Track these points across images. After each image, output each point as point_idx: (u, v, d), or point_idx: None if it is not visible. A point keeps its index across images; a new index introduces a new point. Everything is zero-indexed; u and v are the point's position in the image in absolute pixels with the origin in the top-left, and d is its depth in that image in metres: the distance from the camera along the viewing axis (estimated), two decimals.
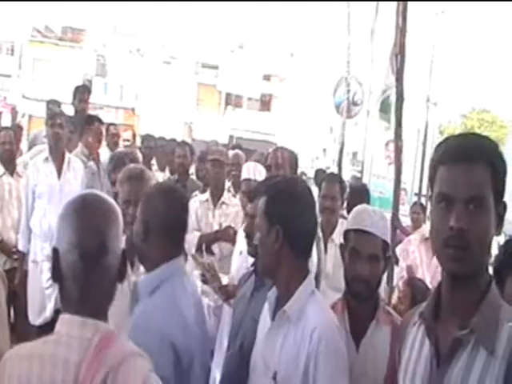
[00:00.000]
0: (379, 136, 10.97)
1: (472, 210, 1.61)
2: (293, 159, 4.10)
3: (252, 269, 2.93)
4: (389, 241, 2.63)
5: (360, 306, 2.53)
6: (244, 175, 4.49)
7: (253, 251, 2.83)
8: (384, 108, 6.00)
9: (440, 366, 1.67)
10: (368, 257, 2.54)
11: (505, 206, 1.70)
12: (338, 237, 4.10)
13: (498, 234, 1.72)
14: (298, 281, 2.27)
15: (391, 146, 10.16)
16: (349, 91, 9.45)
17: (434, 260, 2.72)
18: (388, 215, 3.23)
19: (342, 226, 4.12)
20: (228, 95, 33.96)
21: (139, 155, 5.82)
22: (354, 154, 13.87)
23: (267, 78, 33.44)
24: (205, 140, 15.67)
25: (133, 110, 30.23)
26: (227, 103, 34.14)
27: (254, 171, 4.45)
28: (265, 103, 33.44)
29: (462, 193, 1.62)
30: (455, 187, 1.64)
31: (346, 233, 2.65)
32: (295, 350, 2.21)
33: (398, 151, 4.59)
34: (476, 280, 1.69)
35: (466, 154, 1.64)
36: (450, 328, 1.68)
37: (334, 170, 9.14)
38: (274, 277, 2.31)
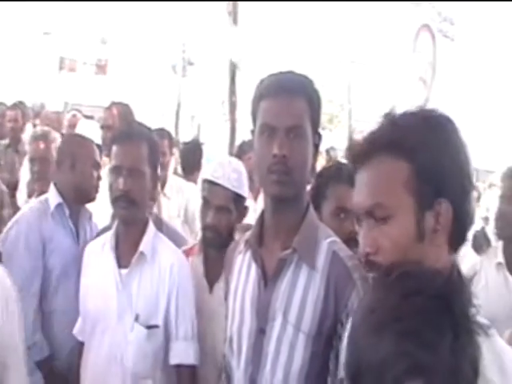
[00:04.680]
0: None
1: (292, 138, 1.73)
2: (127, 114, 4.09)
3: None
4: (244, 193, 2.66)
5: (214, 251, 2.61)
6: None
7: None
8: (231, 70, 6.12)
9: (267, 286, 1.78)
10: (217, 207, 2.61)
11: (320, 137, 1.82)
12: (169, 190, 4.31)
13: (315, 160, 1.83)
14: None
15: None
16: (184, 51, 9.41)
17: None
18: None
19: (174, 181, 4.44)
20: (62, 59, 32.44)
21: None
22: (193, 117, 13.96)
23: (103, 41, 32.32)
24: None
25: None
26: (61, 68, 32.62)
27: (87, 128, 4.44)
28: (101, 67, 32.40)
29: (284, 122, 1.73)
30: (277, 118, 1.74)
31: (202, 181, 2.73)
32: (154, 287, 2.40)
33: (233, 107, 4.66)
34: (296, 203, 1.81)
35: (286, 88, 1.74)
36: (274, 250, 1.79)
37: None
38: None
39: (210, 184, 2.62)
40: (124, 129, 2.64)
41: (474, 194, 4.88)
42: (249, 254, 1.87)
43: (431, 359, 0.92)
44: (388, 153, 1.28)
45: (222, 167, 2.62)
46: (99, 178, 3.13)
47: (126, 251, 2.44)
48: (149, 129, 2.67)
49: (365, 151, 1.32)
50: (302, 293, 1.73)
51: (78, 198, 3.10)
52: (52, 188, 3.10)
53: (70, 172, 3.07)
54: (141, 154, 2.46)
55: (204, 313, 2.51)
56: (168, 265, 2.41)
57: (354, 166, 1.35)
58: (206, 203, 2.63)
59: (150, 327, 2.36)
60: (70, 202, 3.07)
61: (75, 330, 2.62)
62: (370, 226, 1.29)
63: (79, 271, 2.66)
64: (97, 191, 3.15)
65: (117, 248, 2.47)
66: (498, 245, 3.21)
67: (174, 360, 2.40)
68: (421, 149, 1.26)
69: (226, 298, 2.01)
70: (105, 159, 3.36)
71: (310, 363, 1.70)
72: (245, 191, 2.66)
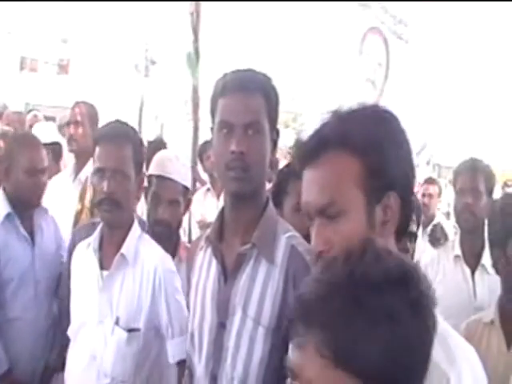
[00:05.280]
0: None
1: (250, 135, 1.75)
2: (93, 114, 4.09)
3: None
4: (189, 186, 2.73)
5: (161, 245, 2.62)
6: None
7: None
8: (190, 63, 6.15)
9: (227, 281, 1.80)
10: (169, 201, 2.66)
11: (277, 133, 1.85)
12: None
13: (273, 155, 1.86)
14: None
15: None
16: (147, 50, 9.36)
17: None
18: None
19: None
20: (23, 59, 31.93)
21: None
22: (156, 117, 13.90)
23: (64, 40, 31.90)
24: None
25: None
26: (22, 67, 32.11)
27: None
28: (62, 67, 31.96)
29: (241, 119, 1.75)
30: (235, 115, 1.76)
31: (149, 177, 2.74)
32: (137, 290, 2.34)
33: (196, 106, 4.66)
34: (255, 199, 1.83)
35: (243, 85, 1.76)
36: (234, 245, 1.82)
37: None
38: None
39: (160, 179, 2.69)
40: (107, 130, 2.50)
41: (436, 189, 4.99)
42: (209, 250, 1.89)
43: (388, 328, 0.96)
44: (337, 150, 1.27)
45: (171, 162, 2.69)
46: (39, 183, 2.99)
47: (110, 253, 2.39)
48: (133, 129, 2.56)
49: (313, 149, 1.30)
50: (261, 287, 1.76)
51: (18, 205, 2.97)
52: (1, 194, 3.00)
53: (4, 179, 2.98)
54: (125, 155, 2.37)
55: None
56: (152, 267, 2.35)
57: (302, 164, 1.34)
58: (157, 198, 2.68)
59: (130, 330, 2.31)
60: (18, 208, 2.96)
61: (68, 331, 2.59)
62: (322, 224, 1.28)
63: (36, 277, 2.63)
64: (38, 198, 3.02)
65: (101, 250, 2.42)
66: (455, 238, 3.29)
67: (174, 358, 2.35)
68: (369, 145, 1.26)
69: (187, 295, 2.03)
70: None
71: (270, 356, 1.72)
72: (189, 183, 2.74)
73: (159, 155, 2.85)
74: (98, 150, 2.40)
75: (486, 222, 2.61)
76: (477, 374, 1.21)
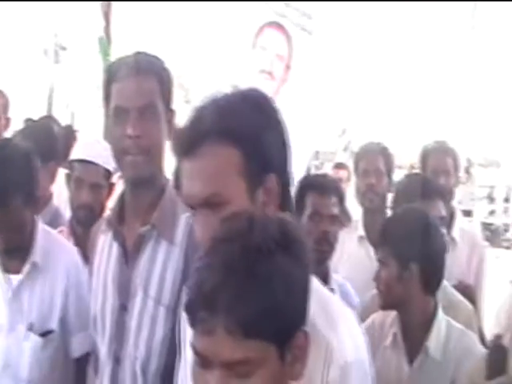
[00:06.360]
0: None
1: (145, 118, 1.76)
2: (3, 101, 4.02)
3: None
4: (112, 169, 2.73)
5: (84, 231, 2.59)
6: None
7: None
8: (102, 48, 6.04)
9: (128, 263, 1.80)
10: (91, 185, 2.65)
11: (173, 114, 1.87)
12: None
13: (170, 138, 1.87)
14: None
15: None
16: (56, 35, 9.11)
17: None
18: None
19: None
20: None
21: None
22: (67, 105, 13.53)
23: None
24: None
25: None
26: None
27: None
28: None
29: (135, 103, 1.76)
30: (128, 99, 1.78)
31: (71, 163, 2.73)
32: (48, 292, 2.21)
33: None
34: (154, 182, 1.85)
35: (135, 69, 1.78)
36: (135, 228, 1.83)
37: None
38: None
39: (82, 163, 2.67)
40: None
41: (345, 173, 5.12)
42: (111, 233, 1.89)
43: None
44: (216, 140, 1.26)
45: (93, 146, 2.69)
46: None
47: (17, 257, 2.22)
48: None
49: (192, 140, 1.28)
50: (161, 267, 1.78)
51: None
52: None
53: None
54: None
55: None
56: (63, 267, 2.25)
57: (180, 155, 1.32)
58: (80, 183, 2.67)
59: (45, 334, 2.21)
60: None
61: None
62: (207, 215, 1.28)
63: None
64: None
65: (7, 254, 2.20)
66: (358, 218, 3.41)
67: (76, 353, 2.27)
68: (246, 132, 1.27)
69: (90, 279, 2.02)
70: None
71: (171, 335, 1.74)
72: (112, 167, 2.69)
73: (80, 141, 2.86)
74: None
75: (391, 200, 2.74)
76: (355, 337, 1.28)
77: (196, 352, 1.04)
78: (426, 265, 2.14)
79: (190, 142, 1.29)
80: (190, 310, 1.05)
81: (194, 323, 1.04)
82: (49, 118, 5.30)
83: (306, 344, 1.08)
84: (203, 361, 1.04)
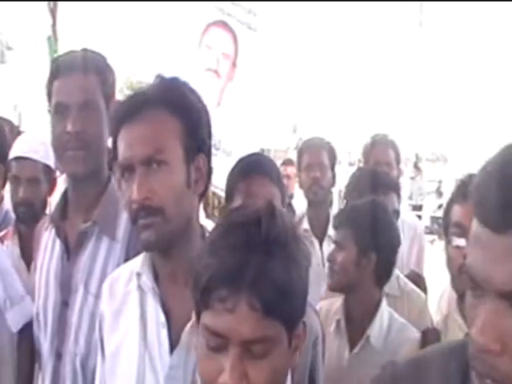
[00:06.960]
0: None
1: (86, 114, 1.78)
2: None
3: None
4: (51, 164, 2.69)
5: (28, 229, 2.55)
6: None
7: None
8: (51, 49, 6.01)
9: (70, 259, 1.82)
10: (28, 180, 2.64)
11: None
12: None
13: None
14: None
15: None
16: (1, 34, 8.95)
17: None
18: None
19: None
20: None
21: None
22: (15, 106, 13.27)
23: None
24: None
25: None
26: None
27: None
28: None
29: (75, 99, 1.79)
30: (69, 95, 1.80)
31: (8, 164, 2.71)
32: None
33: None
34: (96, 177, 1.87)
35: (76, 66, 1.80)
36: (77, 224, 1.85)
37: None
38: None
39: (17, 160, 2.64)
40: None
41: (294, 170, 5.15)
42: (54, 229, 1.90)
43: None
44: (159, 107, 1.34)
45: (28, 142, 2.66)
46: None
47: None
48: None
49: (136, 106, 1.35)
50: (102, 263, 1.80)
51: None
52: None
53: None
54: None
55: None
56: None
57: (121, 121, 1.37)
58: (16, 180, 2.65)
59: None
60: None
61: None
62: (145, 174, 1.33)
63: None
64: None
65: None
66: (303, 213, 3.46)
67: (17, 325, 2.21)
68: (186, 107, 1.37)
69: (33, 275, 2.03)
70: None
71: None
72: (52, 163, 2.67)
73: (17, 139, 2.83)
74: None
75: (343, 192, 2.80)
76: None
77: (213, 332, 1.04)
78: (383, 256, 2.17)
79: (133, 107, 1.35)
80: (208, 288, 1.04)
81: (211, 302, 1.04)
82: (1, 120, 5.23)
83: (304, 335, 1.12)
84: (219, 342, 1.04)
